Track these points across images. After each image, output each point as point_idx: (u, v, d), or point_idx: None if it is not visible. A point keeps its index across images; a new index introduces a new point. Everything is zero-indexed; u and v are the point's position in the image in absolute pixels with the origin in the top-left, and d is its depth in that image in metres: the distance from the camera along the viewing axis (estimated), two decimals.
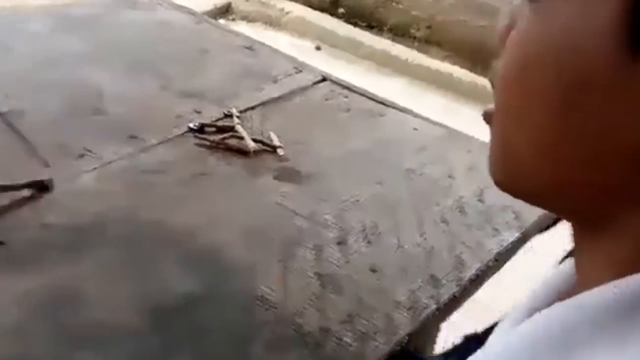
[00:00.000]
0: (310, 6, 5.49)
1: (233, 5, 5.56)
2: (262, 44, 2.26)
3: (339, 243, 1.43)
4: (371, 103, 1.99)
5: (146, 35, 2.20)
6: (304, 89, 2.02)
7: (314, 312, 1.26)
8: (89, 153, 1.62)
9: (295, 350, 1.18)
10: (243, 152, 1.69)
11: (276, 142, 1.73)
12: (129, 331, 1.17)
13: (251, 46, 2.21)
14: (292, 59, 2.19)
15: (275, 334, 1.19)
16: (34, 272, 1.27)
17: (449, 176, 1.72)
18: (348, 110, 1.94)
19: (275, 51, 2.24)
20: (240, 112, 1.83)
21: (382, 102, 1.99)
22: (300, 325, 1.22)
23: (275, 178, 1.61)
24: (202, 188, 1.57)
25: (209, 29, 2.31)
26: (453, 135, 1.92)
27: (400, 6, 5.21)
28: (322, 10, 5.46)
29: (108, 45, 2.12)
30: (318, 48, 5.02)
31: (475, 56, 4.71)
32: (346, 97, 1.99)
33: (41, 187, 1.47)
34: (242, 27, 4.96)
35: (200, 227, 1.44)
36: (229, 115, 1.82)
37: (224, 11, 5.48)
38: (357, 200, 1.57)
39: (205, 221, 1.46)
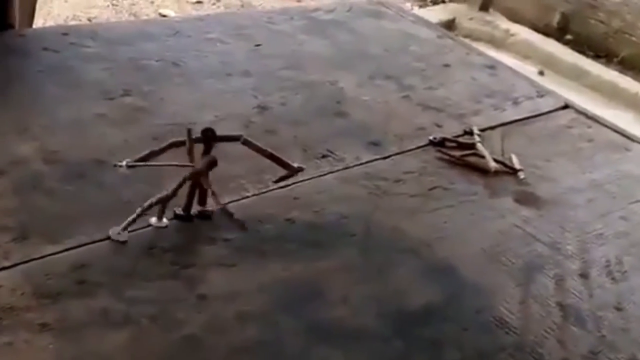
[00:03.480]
0: (536, 30, 5.38)
1: (457, 22, 5.55)
2: (504, 65, 2.24)
3: (581, 275, 1.39)
4: (616, 135, 1.92)
5: (390, 45, 2.23)
6: (545, 114, 1.98)
7: (554, 342, 1.23)
8: (330, 154, 1.66)
9: None
10: (483, 171, 1.67)
11: (517, 164, 1.70)
12: (371, 333, 1.19)
13: (493, 66, 2.19)
14: (534, 83, 2.16)
15: None
16: (279, 263, 1.32)
17: None
18: (591, 140, 1.88)
19: (517, 73, 2.21)
20: (481, 130, 1.82)
21: (627, 136, 1.92)
22: (541, 355, 1.20)
23: (515, 201, 1.59)
24: (440, 201, 1.57)
25: (451, 44, 2.31)
26: None
27: (634, 38, 5.01)
28: (548, 35, 5.35)
29: (353, 51, 2.17)
30: (541, 73, 4.91)
31: None
32: (590, 127, 1.94)
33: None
34: None
35: (438, 240, 1.45)
36: (469, 132, 1.81)
37: (447, 27, 5.47)
38: (601, 234, 1.52)
39: (442, 235, 1.47)
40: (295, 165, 1.44)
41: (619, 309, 1.33)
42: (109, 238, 1.28)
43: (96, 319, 1.13)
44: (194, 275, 1.25)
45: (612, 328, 1.28)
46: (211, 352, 1.12)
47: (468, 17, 5.57)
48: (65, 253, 1.24)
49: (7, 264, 1.21)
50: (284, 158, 1.44)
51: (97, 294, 1.18)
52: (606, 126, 1.96)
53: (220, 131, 1.37)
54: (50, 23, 4.17)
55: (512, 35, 5.33)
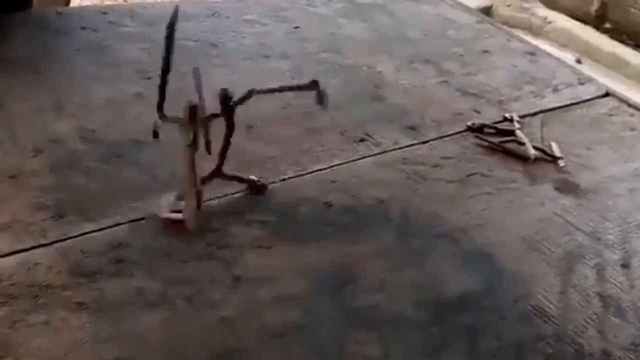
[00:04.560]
0: (574, 17, 5.31)
1: (494, 8, 5.49)
2: (545, 52, 2.20)
3: (622, 265, 1.37)
4: None
5: (429, 29, 2.20)
6: (586, 101, 1.94)
7: (594, 333, 1.20)
8: (368, 138, 1.64)
9: None
10: (522, 158, 1.65)
11: (557, 152, 1.67)
12: (408, 320, 1.18)
13: (533, 52, 2.16)
14: (575, 70, 2.13)
15: (555, 350, 1.16)
16: (315, 246, 1.31)
17: None
18: (633, 129, 1.85)
19: (558, 60, 2.17)
20: (520, 117, 1.79)
21: None
22: (581, 345, 1.17)
23: (555, 189, 1.56)
24: (479, 188, 1.54)
25: (491, 30, 2.28)
26: None
27: None
28: (586, 22, 5.27)
29: (391, 35, 2.14)
30: (579, 61, 4.84)
31: None
32: (632, 115, 1.90)
33: None
34: None
35: (476, 227, 1.42)
36: (508, 119, 1.78)
37: (485, 14, 5.40)
38: None
39: (481, 221, 1.44)
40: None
41: None
42: (144, 218, 1.28)
43: (132, 299, 1.13)
44: (229, 257, 1.24)
45: None
46: (246, 334, 1.11)
47: (506, 3, 5.51)
48: (102, 232, 1.24)
49: (44, 241, 1.21)
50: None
51: (133, 273, 1.17)
52: None
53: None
54: (86, 2, 4.18)
55: (550, 22, 5.26)
